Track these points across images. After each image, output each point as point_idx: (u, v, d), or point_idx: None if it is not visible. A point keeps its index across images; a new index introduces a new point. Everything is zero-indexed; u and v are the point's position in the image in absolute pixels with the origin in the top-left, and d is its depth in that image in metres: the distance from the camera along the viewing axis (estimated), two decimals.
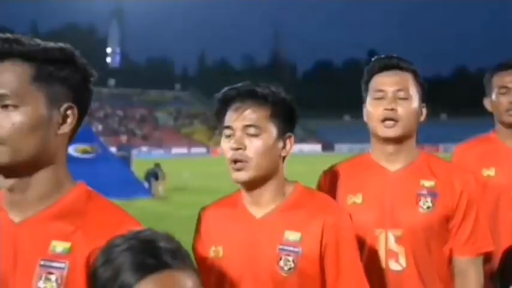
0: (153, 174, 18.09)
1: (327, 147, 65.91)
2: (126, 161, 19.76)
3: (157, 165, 18.50)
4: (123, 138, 21.20)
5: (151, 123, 71.25)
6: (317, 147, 64.88)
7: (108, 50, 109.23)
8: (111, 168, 15.79)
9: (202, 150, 61.68)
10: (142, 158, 32.67)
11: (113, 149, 23.11)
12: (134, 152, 24.73)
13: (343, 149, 59.34)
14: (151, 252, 1.26)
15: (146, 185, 18.18)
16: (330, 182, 2.33)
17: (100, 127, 58.72)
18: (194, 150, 61.32)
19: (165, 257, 1.26)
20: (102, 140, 19.66)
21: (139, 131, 65.47)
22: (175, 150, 58.97)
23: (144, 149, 54.42)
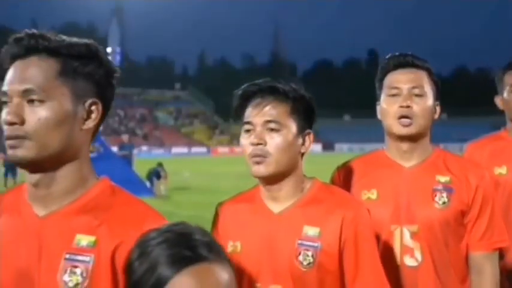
0: (155, 174, 18.08)
1: (327, 147, 65.80)
2: (127, 160, 19.75)
3: (159, 164, 18.47)
4: (125, 138, 21.17)
5: (151, 122, 71.21)
6: (317, 147, 64.76)
7: (108, 49, 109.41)
8: (113, 167, 15.69)
9: (203, 149, 61.68)
10: (142, 158, 32.68)
11: (114, 149, 23.07)
12: (135, 151, 24.72)
13: (343, 149, 59.33)
14: (188, 244, 1.27)
15: (148, 184, 18.16)
16: (343, 178, 2.34)
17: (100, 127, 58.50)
18: (194, 149, 61.32)
19: (201, 249, 1.27)
20: (103, 139, 19.63)
21: (139, 131, 65.45)
22: (175, 150, 58.93)
23: (145, 148, 54.42)
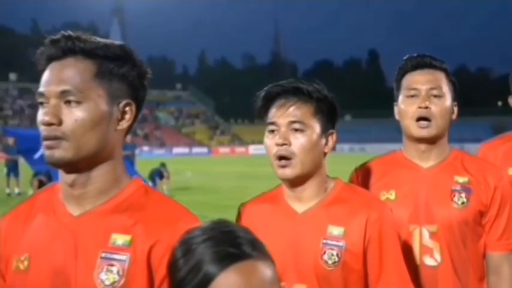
0: (158, 174, 18.08)
1: None
2: (130, 160, 19.77)
3: (163, 164, 18.48)
4: (127, 138, 21.19)
5: (152, 123, 71.07)
6: None
7: None
8: None
9: (204, 150, 61.66)
10: (143, 158, 32.69)
11: None
12: (136, 151, 24.76)
13: (344, 149, 59.24)
14: (232, 242, 1.28)
15: (150, 184, 18.16)
16: (362, 179, 2.36)
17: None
18: (195, 150, 61.29)
19: (245, 247, 1.28)
20: None
21: (140, 131, 65.39)
22: (176, 150, 58.89)
23: (146, 148, 54.36)
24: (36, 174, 15.19)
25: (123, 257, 1.40)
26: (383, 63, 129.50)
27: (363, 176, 2.37)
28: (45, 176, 14.63)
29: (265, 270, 1.28)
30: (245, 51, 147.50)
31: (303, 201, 1.92)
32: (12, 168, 18.41)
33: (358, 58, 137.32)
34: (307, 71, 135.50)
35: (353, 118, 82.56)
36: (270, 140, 1.90)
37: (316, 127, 1.88)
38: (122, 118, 1.48)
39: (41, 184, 15.27)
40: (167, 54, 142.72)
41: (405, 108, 2.29)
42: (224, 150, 59.96)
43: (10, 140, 18.44)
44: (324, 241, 1.86)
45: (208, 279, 1.26)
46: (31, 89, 66.13)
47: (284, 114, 1.87)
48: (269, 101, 1.91)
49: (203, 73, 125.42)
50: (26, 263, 1.45)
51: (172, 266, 1.35)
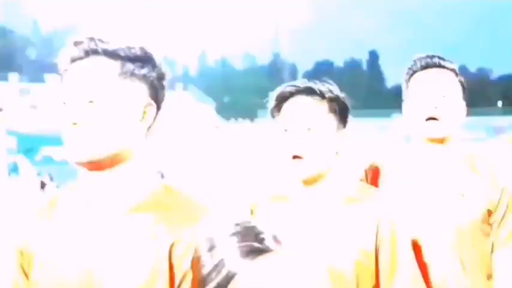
0: (159, 174, 18.13)
1: None
2: None
3: None
4: None
5: None
6: None
7: None
8: None
9: None
10: None
11: None
12: None
13: None
14: (256, 237, 1.31)
15: None
16: (371, 179, 2.38)
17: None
18: None
19: (269, 242, 1.31)
20: None
21: None
22: None
23: None
24: (37, 175, 15.25)
25: (147, 255, 1.43)
26: (383, 63, 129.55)
27: (372, 175, 2.39)
28: (46, 176, 14.71)
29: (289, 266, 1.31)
30: (245, 52, 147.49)
31: (315, 201, 1.94)
32: (13, 169, 18.44)
33: (359, 59, 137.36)
34: (307, 71, 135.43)
35: (353, 118, 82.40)
36: (283, 140, 1.92)
37: (329, 127, 1.91)
38: (143, 118, 1.50)
39: (43, 185, 15.32)
40: (167, 54, 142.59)
41: (414, 108, 2.31)
42: None
43: (10, 141, 18.45)
44: (337, 240, 1.88)
45: (233, 274, 1.28)
46: (31, 89, 66.29)
47: (297, 114, 1.89)
48: (282, 100, 1.93)
49: (203, 73, 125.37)
50: (50, 260, 1.48)
51: (197, 262, 1.37)
